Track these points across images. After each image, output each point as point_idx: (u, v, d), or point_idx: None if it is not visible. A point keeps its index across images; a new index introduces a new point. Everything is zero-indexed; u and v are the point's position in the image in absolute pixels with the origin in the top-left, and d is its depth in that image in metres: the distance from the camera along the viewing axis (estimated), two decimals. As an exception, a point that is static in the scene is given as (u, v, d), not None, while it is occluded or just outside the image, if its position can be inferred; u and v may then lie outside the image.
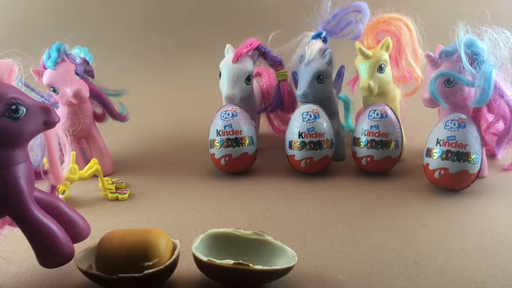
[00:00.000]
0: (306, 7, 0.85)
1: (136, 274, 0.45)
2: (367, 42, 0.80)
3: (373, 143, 0.75)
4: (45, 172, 0.52)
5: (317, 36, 0.83)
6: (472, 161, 0.67)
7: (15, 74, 0.48)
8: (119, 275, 0.46)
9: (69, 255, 0.49)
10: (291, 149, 0.77)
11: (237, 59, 0.80)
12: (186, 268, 0.53)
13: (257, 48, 0.83)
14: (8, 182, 0.45)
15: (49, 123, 0.46)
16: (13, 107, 0.44)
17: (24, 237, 0.48)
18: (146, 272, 0.46)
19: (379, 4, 0.81)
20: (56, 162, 0.51)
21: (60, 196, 0.70)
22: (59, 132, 0.52)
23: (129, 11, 1.66)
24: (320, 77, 0.79)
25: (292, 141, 0.77)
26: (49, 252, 0.48)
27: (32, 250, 0.48)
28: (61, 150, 0.53)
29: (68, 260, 0.49)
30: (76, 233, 0.52)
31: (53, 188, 0.54)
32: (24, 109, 0.44)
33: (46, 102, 0.47)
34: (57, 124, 0.48)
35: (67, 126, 0.54)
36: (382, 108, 0.76)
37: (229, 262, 0.46)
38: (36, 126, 0.46)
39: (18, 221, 0.47)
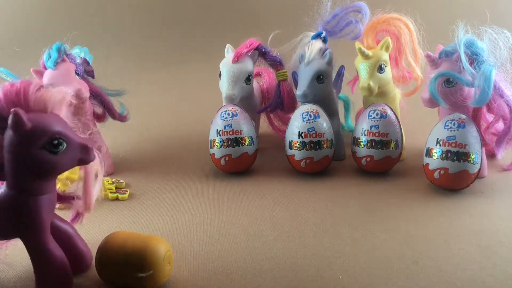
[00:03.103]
0: (306, 7, 0.85)
1: None
2: (367, 42, 0.80)
3: (373, 143, 0.75)
4: (75, 197, 0.52)
5: (317, 36, 0.83)
6: (472, 161, 0.67)
7: (67, 104, 0.48)
8: None
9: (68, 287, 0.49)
10: (291, 149, 0.77)
11: (237, 59, 0.80)
12: (185, 268, 0.53)
13: (257, 48, 0.83)
14: (31, 211, 0.46)
15: (84, 161, 0.47)
16: (55, 141, 0.44)
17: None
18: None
19: (379, 4, 0.81)
20: (91, 192, 0.51)
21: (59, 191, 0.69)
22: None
23: (129, 11, 1.66)
24: (320, 77, 0.79)
25: (292, 141, 0.77)
26: (50, 282, 0.48)
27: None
28: None
29: None
30: (79, 265, 0.53)
31: (78, 216, 0.53)
32: (65, 145, 0.44)
33: (88, 140, 0.48)
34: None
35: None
36: (382, 108, 0.76)
37: None
38: (72, 161, 0.46)
39: (30, 249, 0.48)
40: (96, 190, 0.52)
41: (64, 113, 0.47)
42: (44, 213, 0.46)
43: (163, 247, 0.48)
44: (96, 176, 0.52)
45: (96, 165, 0.50)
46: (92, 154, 0.47)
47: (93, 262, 0.52)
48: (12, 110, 0.42)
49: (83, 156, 0.46)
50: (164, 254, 0.48)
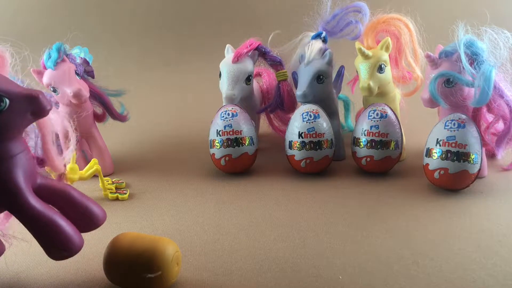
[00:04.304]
0: (306, 7, 0.85)
1: None
2: (367, 42, 0.80)
3: (373, 143, 0.75)
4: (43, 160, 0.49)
5: (317, 36, 0.83)
6: (471, 161, 0.67)
7: (7, 62, 0.44)
8: None
9: (74, 247, 0.46)
10: (291, 149, 0.77)
11: (237, 59, 0.80)
12: (185, 268, 0.53)
13: (257, 48, 0.83)
14: (2, 175, 0.43)
15: (38, 113, 0.43)
16: None
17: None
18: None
19: (379, 4, 0.81)
20: (50, 152, 0.48)
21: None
22: (61, 120, 0.49)
23: (130, 11, 1.66)
24: (320, 77, 0.79)
25: (292, 141, 0.77)
26: (52, 245, 0.45)
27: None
28: (65, 138, 0.50)
29: (75, 252, 0.46)
30: (90, 221, 0.49)
31: (61, 176, 0.50)
32: (7, 101, 0.41)
33: (35, 89, 0.43)
34: (60, 112, 0.45)
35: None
36: (382, 108, 0.76)
37: None
38: (23, 117, 0.42)
39: (15, 213, 0.45)
40: (69, 151, 0.49)
41: (5, 70, 0.43)
42: (16, 175, 0.43)
43: (172, 247, 0.48)
44: (67, 137, 0.48)
45: (61, 124, 0.47)
46: (43, 103, 0.42)
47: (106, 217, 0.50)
48: None
49: (34, 108, 0.42)
50: (173, 255, 0.48)
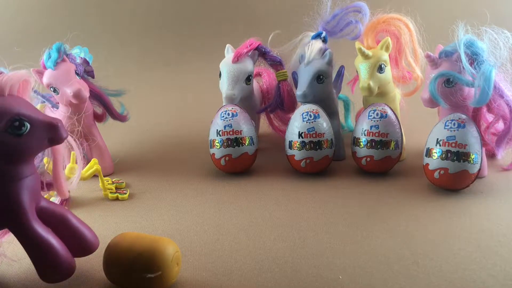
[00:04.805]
0: (306, 7, 0.85)
1: None
2: (367, 42, 0.80)
3: (373, 143, 0.75)
4: (49, 184, 0.51)
5: (317, 36, 0.83)
6: (471, 161, 0.67)
7: (30, 86, 0.46)
8: None
9: (68, 272, 0.48)
10: (291, 149, 0.77)
11: (237, 59, 0.80)
12: (186, 268, 0.53)
13: (257, 48, 0.83)
14: (9, 197, 0.44)
15: (54, 140, 0.45)
16: (16, 123, 0.42)
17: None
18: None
19: (379, 4, 0.81)
20: (60, 177, 0.50)
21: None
22: (71, 142, 0.50)
23: (130, 11, 1.66)
24: (320, 77, 0.79)
25: (292, 141, 0.77)
26: (47, 267, 0.47)
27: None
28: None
29: (67, 276, 0.48)
30: (83, 247, 0.51)
31: (63, 201, 0.52)
32: (29, 126, 0.43)
33: (54, 118, 0.45)
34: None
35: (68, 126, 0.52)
36: (382, 108, 0.76)
37: None
38: (40, 142, 0.44)
39: (17, 234, 0.46)
40: (75, 176, 0.50)
41: (28, 94, 0.45)
42: (23, 198, 0.45)
43: (172, 247, 0.48)
44: (75, 160, 0.50)
45: (72, 150, 0.48)
46: (62, 132, 0.44)
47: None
48: None
49: (52, 135, 0.44)
50: (173, 255, 0.48)
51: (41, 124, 0.44)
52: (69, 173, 0.66)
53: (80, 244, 0.51)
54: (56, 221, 0.49)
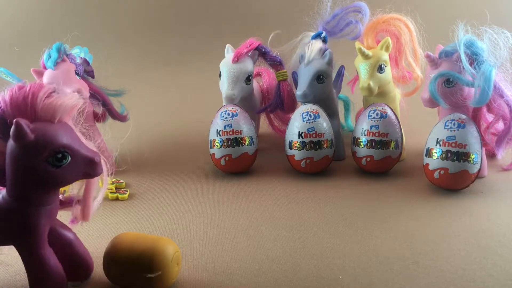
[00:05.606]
0: (306, 7, 0.85)
1: None
2: (367, 42, 0.80)
3: (373, 143, 0.75)
4: (74, 202, 0.50)
5: (317, 36, 0.83)
6: (471, 161, 0.67)
7: (76, 110, 0.45)
8: None
9: None
10: (291, 149, 0.77)
11: (237, 59, 0.80)
12: (186, 268, 0.53)
13: (257, 48, 0.83)
14: (29, 221, 0.44)
15: (90, 175, 0.45)
16: (59, 155, 0.42)
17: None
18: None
19: (379, 4, 0.81)
20: (90, 203, 0.50)
21: (60, 196, 0.69)
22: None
23: (130, 11, 1.66)
24: (320, 77, 0.79)
25: (292, 141, 0.77)
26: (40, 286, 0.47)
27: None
28: None
29: None
30: (79, 273, 0.51)
31: (75, 221, 0.52)
32: (70, 159, 0.42)
33: (95, 152, 0.45)
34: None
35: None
36: (382, 108, 0.76)
37: None
38: (76, 175, 0.44)
39: (24, 256, 0.46)
40: (97, 201, 0.50)
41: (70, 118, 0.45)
42: (42, 224, 0.45)
43: (172, 247, 0.48)
44: (101, 186, 0.50)
45: (102, 176, 0.48)
46: (98, 169, 0.44)
47: (94, 269, 0.52)
48: (14, 120, 0.39)
49: (89, 170, 0.44)
50: (173, 255, 0.48)
51: (82, 159, 0.43)
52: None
53: (77, 270, 0.51)
54: (62, 244, 0.50)
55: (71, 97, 0.44)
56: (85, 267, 0.51)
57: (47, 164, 0.42)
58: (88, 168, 0.44)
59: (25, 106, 0.41)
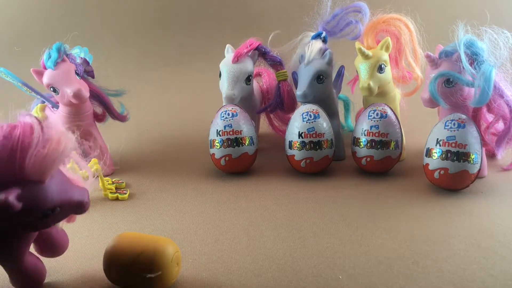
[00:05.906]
0: (306, 7, 0.85)
1: None
2: (367, 42, 0.80)
3: (373, 143, 0.75)
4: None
5: (317, 36, 0.83)
6: (471, 161, 0.67)
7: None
8: None
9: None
10: (291, 149, 0.77)
11: (237, 59, 0.80)
12: (186, 268, 0.53)
13: (257, 48, 0.83)
14: (12, 250, 0.45)
15: (77, 213, 0.44)
16: (49, 212, 0.41)
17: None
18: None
19: (379, 4, 0.81)
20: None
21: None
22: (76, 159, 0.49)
23: (130, 11, 1.66)
24: (320, 77, 0.79)
25: (292, 141, 0.77)
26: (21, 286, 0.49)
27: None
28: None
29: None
30: (54, 251, 0.52)
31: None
32: (59, 209, 0.41)
33: (83, 192, 0.44)
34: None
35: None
36: (382, 108, 0.76)
37: None
38: (64, 217, 0.44)
39: (3, 264, 0.47)
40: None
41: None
42: (26, 247, 0.46)
43: (172, 247, 0.48)
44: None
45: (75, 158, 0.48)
46: (86, 208, 0.44)
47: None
48: (3, 197, 0.36)
49: (76, 212, 0.44)
50: (173, 255, 0.48)
51: (71, 206, 0.43)
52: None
53: (52, 249, 0.52)
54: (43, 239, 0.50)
55: (63, 144, 0.39)
56: (60, 246, 0.52)
57: (35, 219, 0.41)
58: (76, 210, 0.44)
59: (13, 165, 0.37)
